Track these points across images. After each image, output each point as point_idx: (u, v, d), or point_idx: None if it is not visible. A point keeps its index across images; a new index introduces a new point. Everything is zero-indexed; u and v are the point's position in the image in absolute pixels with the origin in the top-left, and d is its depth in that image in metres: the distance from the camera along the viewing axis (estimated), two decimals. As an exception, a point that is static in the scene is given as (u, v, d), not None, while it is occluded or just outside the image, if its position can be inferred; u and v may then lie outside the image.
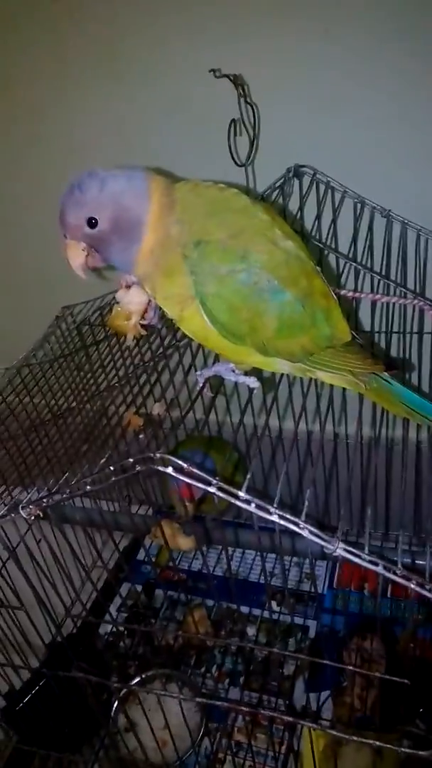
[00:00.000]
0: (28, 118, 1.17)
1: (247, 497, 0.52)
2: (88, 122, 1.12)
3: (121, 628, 1.26)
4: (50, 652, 0.92)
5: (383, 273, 0.92)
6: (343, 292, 0.74)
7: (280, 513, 0.52)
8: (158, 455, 0.51)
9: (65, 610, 0.88)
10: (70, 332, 1.13)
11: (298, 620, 1.25)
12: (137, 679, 1.13)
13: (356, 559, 0.52)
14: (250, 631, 1.24)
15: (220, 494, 0.52)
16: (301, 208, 0.95)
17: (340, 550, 0.52)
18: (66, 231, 0.60)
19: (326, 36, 0.93)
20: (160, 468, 0.51)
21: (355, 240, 0.96)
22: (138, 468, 0.53)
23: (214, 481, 0.52)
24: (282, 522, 0.52)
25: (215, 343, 0.61)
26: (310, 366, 0.63)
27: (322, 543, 0.52)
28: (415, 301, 0.78)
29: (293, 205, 0.95)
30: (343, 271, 0.94)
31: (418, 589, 0.52)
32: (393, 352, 1.02)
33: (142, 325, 0.64)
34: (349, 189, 0.97)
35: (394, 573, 0.52)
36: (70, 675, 0.83)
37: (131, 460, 0.53)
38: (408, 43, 0.91)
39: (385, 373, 0.66)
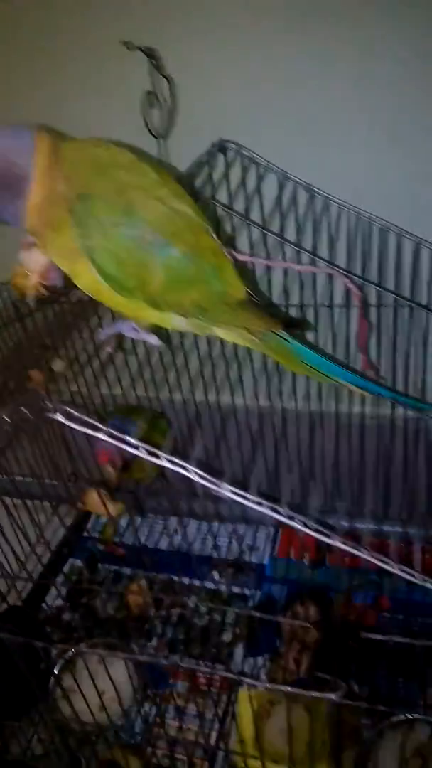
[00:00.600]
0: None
1: (136, 443, 0.54)
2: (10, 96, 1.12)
3: (63, 603, 1.28)
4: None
5: (308, 249, 0.95)
6: (237, 254, 0.76)
7: (169, 457, 0.54)
8: (49, 403, 0.53)
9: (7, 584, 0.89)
10: (6, 307, 1.14)
11: (241, 590, 1.28)
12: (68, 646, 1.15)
13: (242, 500, 0.54)
14: (192, 602, 1.27)
15: (109, 440, 0.54)
16: (228, 183, 0.97)
17: (226, 491, 0.54)
18: None
19: (245, 6, 0.94)
20: (50, 415, 0.53)
21: (282, 215, 0.98)
22: (31, 416, 0.54)
23: (104, 428, 0.54)
24: (170, 465, 0.54)
25: (109, 298, 0.63)
26: (205, 322, 0.66)
27: (212, 486, 0.54)
28: (327, 270, 0.81)
29: (218, 180, 0.97)
30: (266, 244, 0.96)
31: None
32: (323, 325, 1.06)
33: (45, 286, 0.66)
34: (273, 164, 0.99)
35: (278, 512, 0.54)
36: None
37: (23, 408, 0.54)
38: (327, 15, 0.93)
39: (283, 332, 0.68)
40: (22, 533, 1.00)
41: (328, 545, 1.31)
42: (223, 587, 1.29)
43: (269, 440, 1.25)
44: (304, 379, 1.13)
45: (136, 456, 0.85)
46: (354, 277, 0.86)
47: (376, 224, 1.00)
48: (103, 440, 0.83)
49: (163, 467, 0.55)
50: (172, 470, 0.55)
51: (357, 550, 0.55)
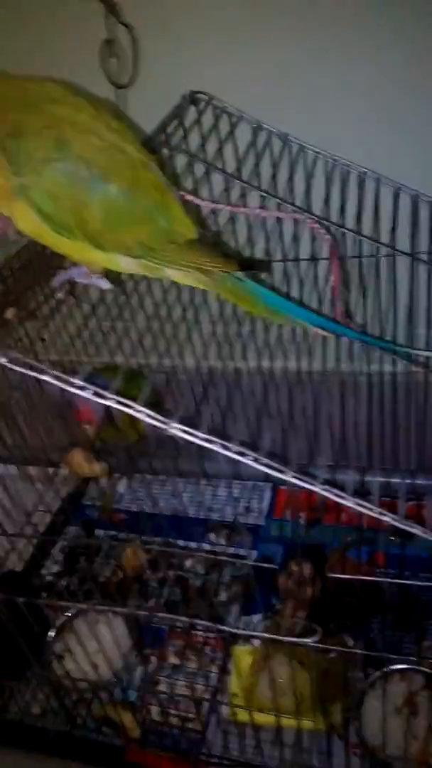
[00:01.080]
0: None
1: (114, 397, 0.53)
2: None
3: (61, 569, 1.29)
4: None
5: (280, 197, 0.92)
6: (199, 200, 0.75)
7: (116, 398, 0.54)
8: (-7, 347, 0.53)
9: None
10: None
11: (236, 551, 1.28)
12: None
13: (191, 438, 0.54)
14: (189, 563, 1.27)
15: (56, 382, 0.53)
16: (202, 134, 0.95)
17: (174, 429, 0.53)
18: None
19: None
20: (-7, 359, 0.53)
21: (257, 165, 0.96)
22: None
23: (50, 371, 0.53)
24: (118, 406, 0.54)
25: (51, 241, 0.62)
26: (154, 263, 0.64)
27: (157, 423, 0.54)
28: (297, 215, 0.79)
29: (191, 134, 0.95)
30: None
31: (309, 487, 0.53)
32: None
33: None
34: (245, 114, 0.97)
35: (228, 449, 0.54)
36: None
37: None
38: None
39: (239, 273, 0.67)
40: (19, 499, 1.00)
41: (324, 504, 1.31)
42: (219, 549, 1.29)
43: (269, 403, 1.24)
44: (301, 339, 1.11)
45: (110, 412, 0.85)
46: (327, 223, 0.84)
47: (353, 171, 0.97)
48: (81, 398, 0.83)
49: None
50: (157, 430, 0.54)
51: (363, 507, 0.54)
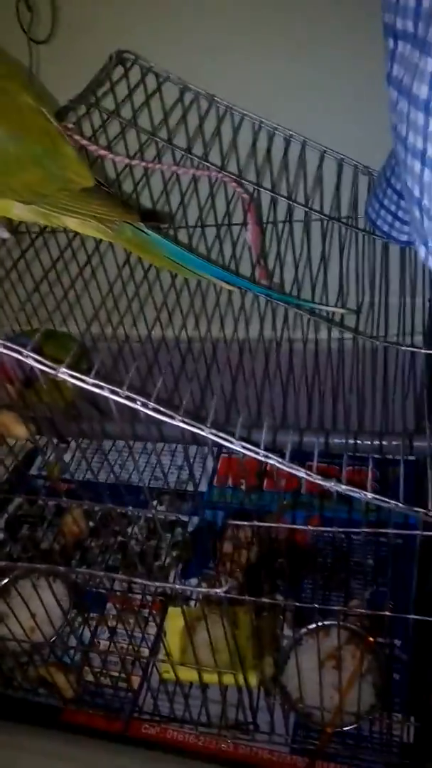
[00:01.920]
0: None
1: (31, 354, 0.54)
2: None
3: (3, 536, 1.30)
4: None
5: (205, 157, 0.93)
6: (106, 153, 0.74)
7: (33, 356, 0.54)
8: None
9: None
10: None
11: (177, 517, 1.29)
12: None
13: (114, 397, 0.54)
14: (130, 531, 1.29)
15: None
16: (131, 97, 0.95)
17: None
18: None
19: None
20: None
21: (184, 125, 0.96)
22: None
23: None
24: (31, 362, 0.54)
25: None
26: (47, 209, 0.64)
27: (110, 396, 0.54)
28: (214, 173, 0.79)
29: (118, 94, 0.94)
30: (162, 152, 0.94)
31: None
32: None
33: None
34: (172, 74, 0.96)
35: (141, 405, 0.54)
36: None
37: None
38: None
39: (141, 224, 0.67)
40: None
41: (264, 470, 1.32)
42: (161, 516, 1.30)
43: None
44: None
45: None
46: (246, 182, 0.84)
47: (280, 134, 0.98)
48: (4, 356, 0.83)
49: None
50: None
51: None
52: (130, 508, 0.85)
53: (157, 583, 0.88)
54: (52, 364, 0.54)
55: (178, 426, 0.56)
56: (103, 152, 0.75)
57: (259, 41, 1.01)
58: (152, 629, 1.13)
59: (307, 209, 0.88)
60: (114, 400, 0.55)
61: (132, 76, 0.95)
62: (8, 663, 1.08)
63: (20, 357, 0.54)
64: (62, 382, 0.55)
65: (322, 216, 0.92)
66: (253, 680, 0.98)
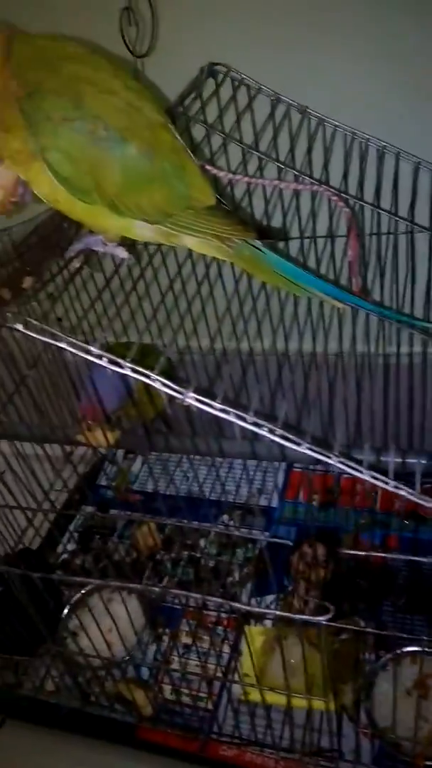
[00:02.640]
0: None
1: (99, 352, 0.53)
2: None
3: (76, 547, 1.30)
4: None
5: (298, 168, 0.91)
6: (214, 169, 0.73)
7: (132, 366, 0.53)
8: (9, 312, 0.52)
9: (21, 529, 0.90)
10: (7, 251, 1.13)
11: (249, 532, 1.27)
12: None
13: (207, 408, 0.53)
14: (202, 543, 1.27)
15: (72, 350, 0.53)
16: (220, 106, 0.94)
17: (189, 398, 0.53)
18: None
19: None
20: (10, 325, 0.52)
21: (276, 138, 0.94)
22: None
23: (65, 337, 0.53)
24: (131, 373, 0.53)
25: (67, 206, 0.61)
26: (170, 228, 0.63)
27: (173, 393, 0.53)
28: (315, 187, 0.78)
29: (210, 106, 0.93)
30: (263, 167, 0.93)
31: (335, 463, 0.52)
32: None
33: (13, 202, 0.65)
34: (264, 86, 0.95)
35: (245, 420, 0.53)
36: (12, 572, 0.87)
37: (-16, 319, 0.54)
38: None
39: (257, 242, 0.66)
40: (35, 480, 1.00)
41: (338, 486, 1.29)
42: (232, 530, 1.29)
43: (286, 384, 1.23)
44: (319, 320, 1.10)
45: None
46: (346, 196, 0.82)
47: (373, 145, 0.95)
48: (87, 396, 0.82)
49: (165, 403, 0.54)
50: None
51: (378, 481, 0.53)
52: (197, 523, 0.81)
53: (246, 607, 0.86)
54: (179, 389, 0.53)
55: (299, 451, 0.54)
56: (207, 166, 0.74)
57: (349, 51, 0.99)
58: (228, 646, 1.11)
59: (407, 221, 0.86)
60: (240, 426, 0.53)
61: (223, 89, 0.94)
62: (85, 678, 1.07)
63: (148, 381, 0.53)
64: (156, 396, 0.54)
65: (423, 229, 0.89)
66: (336, 705, 0.95)
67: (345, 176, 0.93)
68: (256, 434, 0.52)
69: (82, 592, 1.16)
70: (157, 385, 0.53)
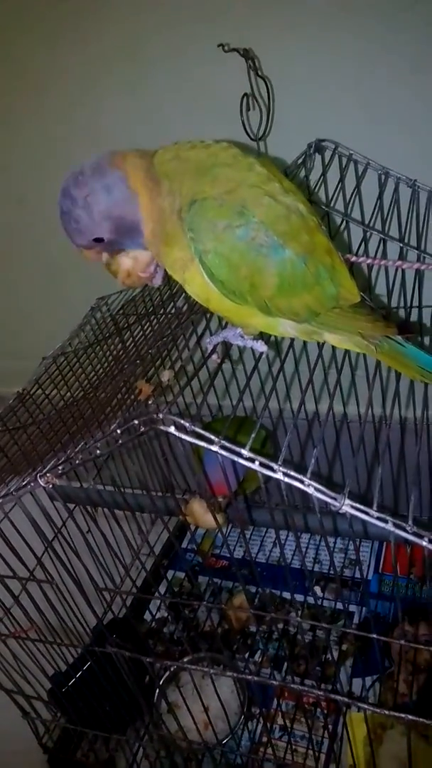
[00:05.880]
0: (57, 112, 1.19)
1: (250, 455, 0.52)
2: (111, 108, 1.13)
3: (166, 614, 1.27)
4: (94, 637, 0.93)
5: (412, 243, 0.90)
6: (348, 256, 0.72)
7: (285, 471, 0.52)
8: (160, 415, 0.52)
9: (106, 600, 0.89)
10: (105, 321, 1.15)
11: (345, 606, 1.23)
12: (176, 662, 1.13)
13: (364, 516, 0.51)
14: (294, 618, 1.23)
15: (224, 452, 0.52)
16: (324, 183, 0.94)
17: (346, 506, 0.51)
18: (80, 248, 0.62)
19: (339, 4, 0.91)
20: (162, 427, 0.52)
21: (381, 211, 0.94)
22: (143, 429, 0.53)
23: (216, 440, 0.52)
24: (286, 479, 0.51)
25: (218, 305, 0.61)
26: (317, 327, 0.62)
27: (328, 500, 0.51)
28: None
29: (315, 180, 0.94)
30: (368, 242, 0.92)
31: (429, 546, 0.50)
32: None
33: (142, 277, 0.65)
34: (372, 161, 0.95)
35: (404, 530, 0.50)
36: (105, 651, 0.85)
37: (136, 421, 0.53)
38: (426, 11, 0.89)
39: (398, 336, 0.64)
40: (125, 544, 0.98)
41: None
42: (325, 603, 1.24)
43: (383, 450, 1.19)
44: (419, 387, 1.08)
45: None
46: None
47: None
48: (215, 474, 0.81)
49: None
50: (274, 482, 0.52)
51: None
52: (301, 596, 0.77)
53: (345, 699, 0.81)
54: (333, 494, 0.51)
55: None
56: (350, 257, 0.73)
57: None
58: (327, 731, 1.06)
59: None
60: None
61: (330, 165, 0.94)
62: (183, 759, 1.04)
63: (302, 486, 0.51)
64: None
65: None
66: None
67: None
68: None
69: (173, 669, 1.13)
70: (310, 490, 0.51)
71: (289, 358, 0.68)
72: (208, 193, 0.56)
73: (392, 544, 0.54)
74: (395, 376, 0.69)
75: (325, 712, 1.08)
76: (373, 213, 0.91)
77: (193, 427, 0.52)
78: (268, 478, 0.53)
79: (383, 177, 0.96)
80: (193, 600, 1.29)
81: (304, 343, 0.75)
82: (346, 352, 0.66)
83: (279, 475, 0.51)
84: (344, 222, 0.93)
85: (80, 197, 0.58)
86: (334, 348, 0.68)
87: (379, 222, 0.91)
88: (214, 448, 0.52)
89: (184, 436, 0.52)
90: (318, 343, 0.66)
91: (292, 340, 0.67)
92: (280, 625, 1.22)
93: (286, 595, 1.27)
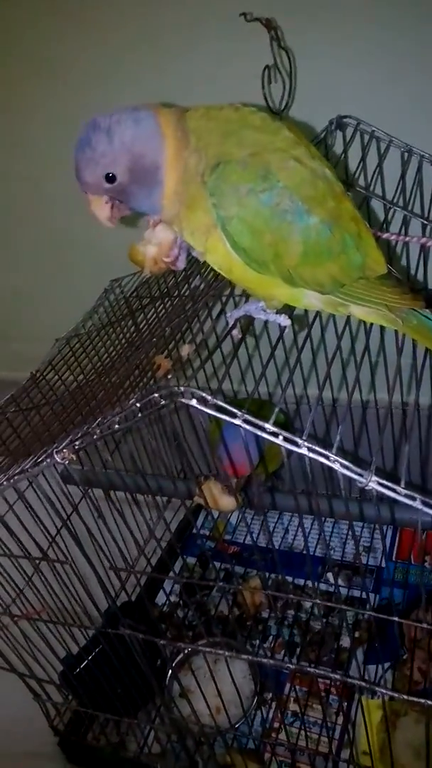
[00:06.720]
0: (72, 97, 1.18)
1: (274, 429, 0.50)
2: (131, 82, 1.11)
3: (178, 599, 1.27)
4: (106, 619, 0.92)
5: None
6: (373, 230, 0.70)
7: (309, 445, 0.50)
8: (181, 388, 0.51)
9: (120, 580, 0.88)
10: (118, 303, 1.14)
11: (357, 593, 1.22)
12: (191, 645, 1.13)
13: (391, 493, 0.49)
14: (307, 603, 1.22)
15: (246, 426, 0.50)
16: (346, 160, 0.92)
17: (373, 483, 0.49)
18: (85, 189, 0.59)
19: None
20: (184, 400, 0.51)
21: (404, 189, 0.91)
22: (163, 402, 0.52)
23: (240, 413, 0.50)
24: (311, 454, 0.50)
25: (240, 275, 0.59)
26: (342, 299, 0.60)
27: (354, 476, 0.50)
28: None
29: (336, 158, 0.92)
30: (391, 219, 0.90)
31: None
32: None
33: (165, 262, 0.63)
34: (395, 138, 0.93)
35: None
36: (118, 632, 0.84)
37: (156, 395, 0.52)
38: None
39: (426, 310, 0.62)
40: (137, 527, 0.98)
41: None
42: (339, 589, 1.23)
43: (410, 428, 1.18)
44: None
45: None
46: None
47: None
48: (236, 454, 0.80)
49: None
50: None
51: None
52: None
53: (359, 682, 0.80)
54: (360, 471, 0.50)
55: None
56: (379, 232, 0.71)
57: None
58: (341, 716, 1.05)
59: None
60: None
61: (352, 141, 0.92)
62: (194, 742, 1.03)
63: (326, 462, 0.50)
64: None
65: None
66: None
67: None
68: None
69: (186, 651, 1.12)
70: (336, 466, 0.50)
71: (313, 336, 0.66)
72: (233, 156, 0.55)
73: (419, 524, 0.53)
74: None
75: (339, 698, 1.07)
76: (396, 191, 0.89)
77: (215, 400, 0.51)
78: (290, 453, 0.51)
79: (406, 155, 0.93)
80: (204, 586, 1.28)
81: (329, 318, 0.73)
82: (371, 326, 0.64)
83: (304, 450, 0.50)
84: (365, 201, 0.92)
85: (105, 123, 0.55)
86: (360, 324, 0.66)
87: (401, 201, 0.89)
88: (237, 421, 0.50)
89: (205, 409, 0.51)
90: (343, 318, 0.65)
91: (317, 313, 0.65)
92: (292, 612, 1.21)
93: (299, 581, 1.25)
